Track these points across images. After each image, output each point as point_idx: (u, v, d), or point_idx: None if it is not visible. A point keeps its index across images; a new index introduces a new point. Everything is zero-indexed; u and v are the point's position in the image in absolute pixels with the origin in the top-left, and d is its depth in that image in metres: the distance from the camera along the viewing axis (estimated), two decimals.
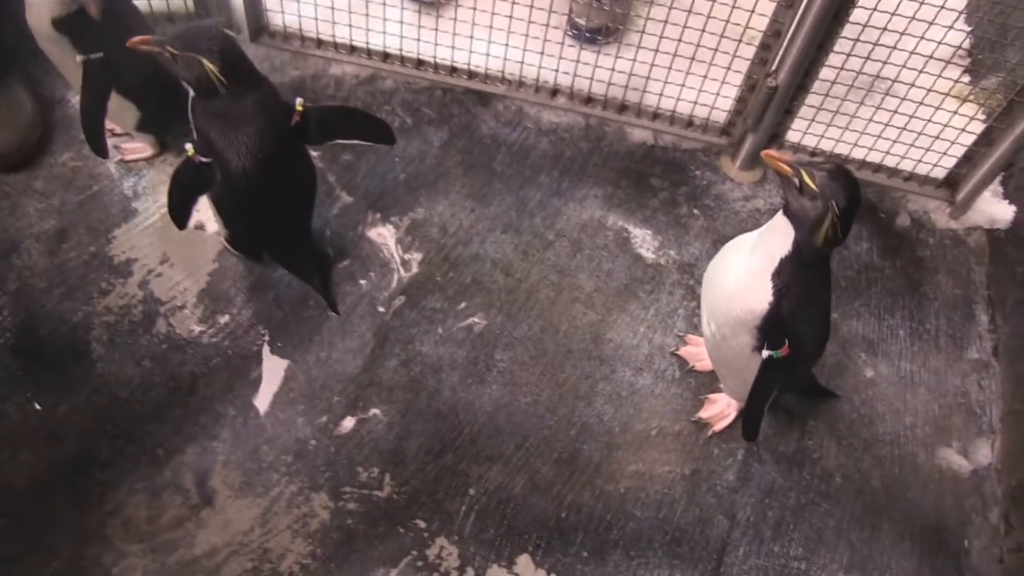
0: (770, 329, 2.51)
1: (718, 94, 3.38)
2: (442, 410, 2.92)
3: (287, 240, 2.96)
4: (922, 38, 3.05)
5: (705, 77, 3.34)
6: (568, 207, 3.37)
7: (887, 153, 3.45)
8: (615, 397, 3.02)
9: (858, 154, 3.50)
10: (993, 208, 3.54)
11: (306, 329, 3.00)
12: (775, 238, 2.45)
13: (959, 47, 3.33)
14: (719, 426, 3.01)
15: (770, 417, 3.03)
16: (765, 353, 2.52)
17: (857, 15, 3.06)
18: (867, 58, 3.15)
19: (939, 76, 3.17)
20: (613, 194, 3.42)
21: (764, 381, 2.60)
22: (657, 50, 3.29)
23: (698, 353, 3.11)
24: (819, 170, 2.30)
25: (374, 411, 2.88)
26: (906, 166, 3.51)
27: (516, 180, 3.39)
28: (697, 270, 3.30)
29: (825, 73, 3.26)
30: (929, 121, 3.33)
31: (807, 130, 3.42)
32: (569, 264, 3.24)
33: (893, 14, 3.02)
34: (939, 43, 3.07)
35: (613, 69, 3.38)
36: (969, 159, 3.46)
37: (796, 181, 2.30)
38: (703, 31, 3.17)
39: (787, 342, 2.50)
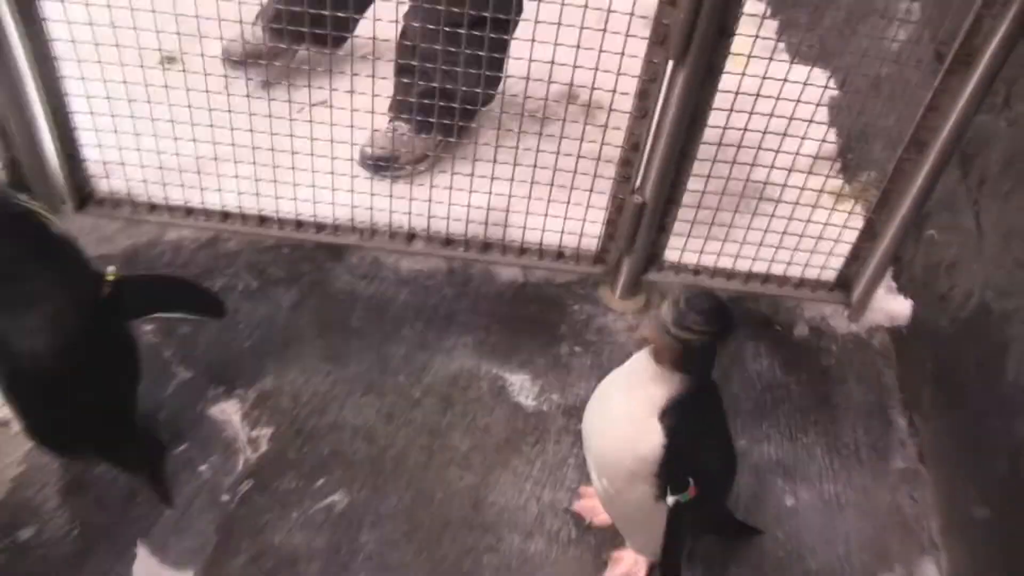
0: (670, 473, 2.03)
1: (585, 219, 2.91)
2: None
3: (104, 431, 2.36)
4: (780, 148, 2.68)
5: (568, 203, 2.87)
6: (435, 360, 2.83)
7: (772, 261, 2.99)
8: (505, 569, 2.41)
9: (742, 266, 3.03)
10: (891, 305, 3.08)
11: (133, 532, 2.37)
12: (649, 374, 2.01)
13: (823, 141, 2.92)
14: None
15: (688, 570, 2.49)
16: (671, 500, 2.04)
17: (717, 119, 2.65)
18: (733, 161, 2.71)
19: (808, 173, 2.77)
20: (484, 340, 2.91)
21: (676, 530, 2.11)
22: (512, 178, 2.83)
23: (595, 506, 2.54)
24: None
25: None
26: (795, 272, 3.04)
27: (376, 336, 2.86)
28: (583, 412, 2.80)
29: (695, 184, 2.82)
30: (808, 221, 2.90)
31: (685, 247, 2.96)
32: (440, 423, 2.68)
33: (749, 118, 2.63)
34: (797, 153, 2.70)
35: (469, 205, 2.90)
36: (857, 256, 3.01)
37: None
38: (557, 153, 2.72)
39: (692, 481, 2.03)
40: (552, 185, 2.84)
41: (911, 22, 3.01)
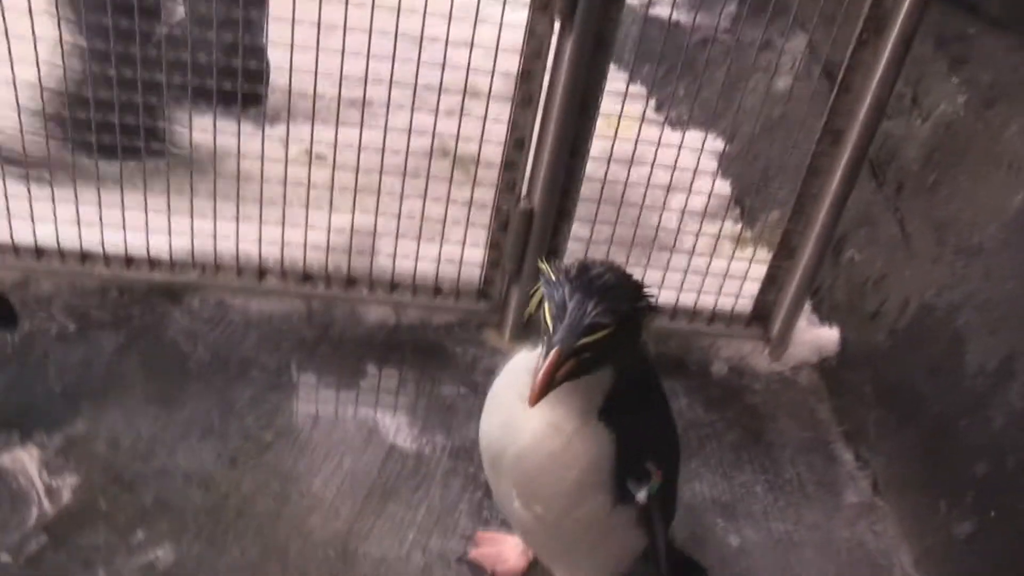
0: (629, 468, 1.59)
1: (465, 241, 2.44)
2: None
3: None
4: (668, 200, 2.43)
5: (444, 221, 2.41)
6: (290, 402, 2.27)
7: (680, 291, 2.56)
8: None
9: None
10: (814, 337, 2.66)
11: None
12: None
13: (711, 194, 2.65)
14: None
15: None
16: (641, 495, 1.60)
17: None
18: (620, 205, 2.36)
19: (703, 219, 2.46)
20: (352, 382, 2.36)
21: (656, 526, 1.71)
22: (379, 191, 2.36)
23: (497, 553, 1.99)
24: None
25: None
26: (706, 304, 2.60)
27: (218, 380, 2.28)
28: (477, 455, 2.27)
29: (585, 209, 2.48)
30: (712, 257, 2.55)
31: None
32: (296, 467, 2.10)
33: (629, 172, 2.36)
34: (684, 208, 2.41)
35: (329, 228, 2.41)
36: (771, 287, 2.61)
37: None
38: (428, 167, 2.29)
39: (655, 466, 1.62)
40: (424, 198, 2.38)
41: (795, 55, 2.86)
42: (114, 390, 2.21)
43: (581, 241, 2.51)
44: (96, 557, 1.85)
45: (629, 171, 2.45)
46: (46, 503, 1.93)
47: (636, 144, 2.36)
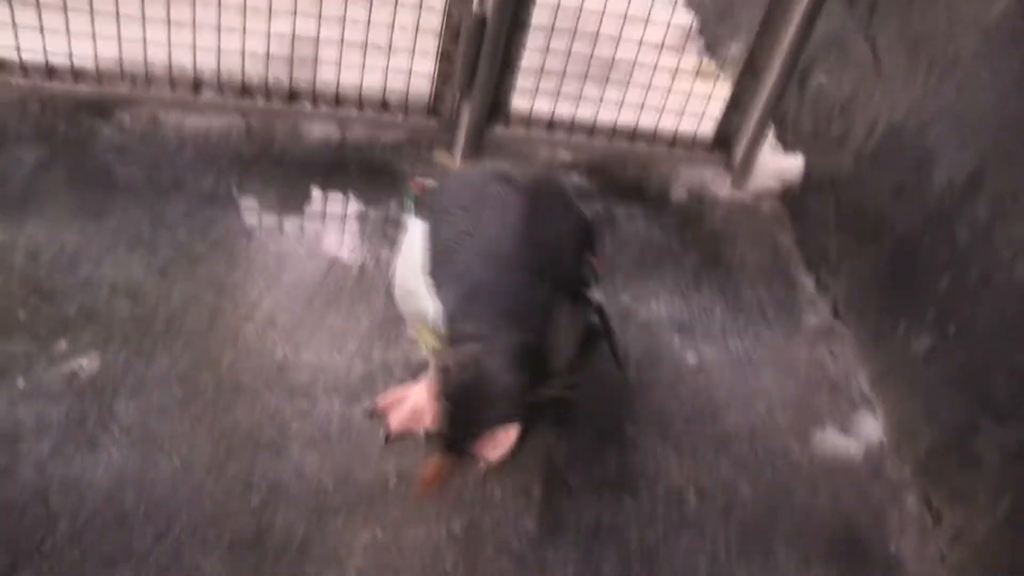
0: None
1: (414, 50, 2.26)
2: (18, 499, 1.51)
3: None
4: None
5: (392, 27, 2.21)
6: (227, 215, 2.10)
7: (641, 109, 2.40)
8: (320, 440, 1.70)
9: (606, 118, 2.42)
10: (777, 164, 2.50)
11: None
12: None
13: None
14: (495, 454, 1.76)
15: (563, 435, 1.82)
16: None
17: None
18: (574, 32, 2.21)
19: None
20: (293, 200, 2.18)
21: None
22: (320, 15, 2.17)
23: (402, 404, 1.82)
24: None
25: None
26: (667, 126, 2.45)
27: (149, 194, 2.10)
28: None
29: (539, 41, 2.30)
30: (669, 90, 2.40)
31: (536, 90, 2.33)
32: (231, 277, 1.95)
33: None
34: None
35: (269, 34, 2.19)
36: (736, 106, 2.46)
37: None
38: None
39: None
40: (371, 1, 2.19)
41: None
42: (35, 203, 2.03)
43: (532, 73, 2.36)
44: (13, 366, 1.70)
45: None
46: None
47: None
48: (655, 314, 2.13)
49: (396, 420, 1.76)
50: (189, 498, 1.59)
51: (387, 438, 1.74)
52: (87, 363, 1.74)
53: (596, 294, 1.61)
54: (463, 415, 1.41)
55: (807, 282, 2.32)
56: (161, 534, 1.53)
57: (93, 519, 1.53)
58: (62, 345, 1.76)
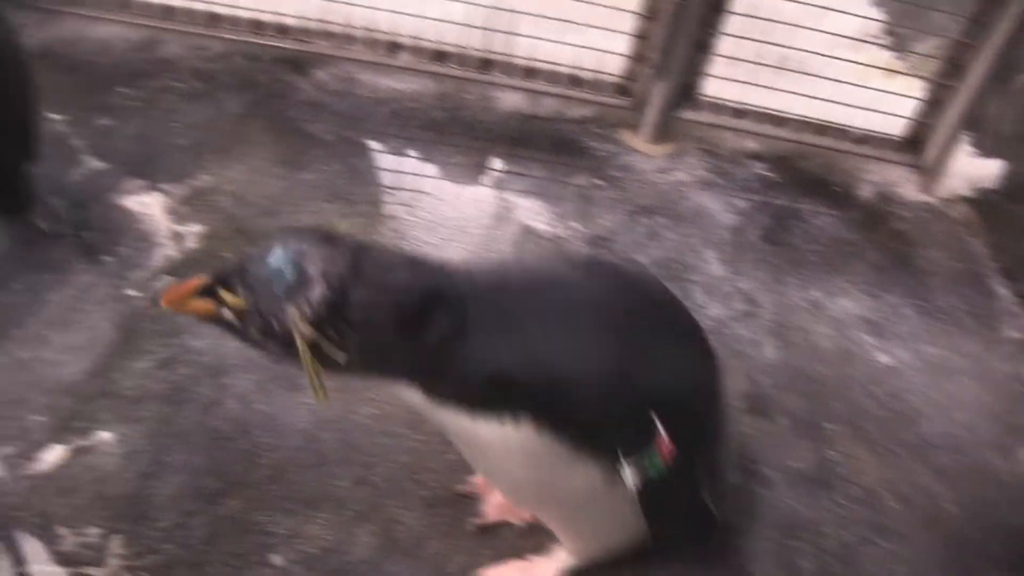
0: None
1: (609, 28, 2.18)
2: (224, 429, 1.50)
3: None
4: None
5: (591, 3, 2.13)
6: (421, 178, 2.06)
7: (830, 101, 2.27)
8: None
9: (795, 109, 2.31)
10: (972, 167, 2.36)
11: (1, 320, 1.58)
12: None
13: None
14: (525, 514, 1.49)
15: (762, 422, 1.73)
16: (629, 477, 1.13)
17: None
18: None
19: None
20: (481, 163, 2.15)
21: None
22: None
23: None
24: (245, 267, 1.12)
25: (103, 434, 1.45)
26: (856, 122, 2.33)
27: (345, 147, 2.10)
28: (614, 244, 2.06)
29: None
30: (859, 85, 2.28)
31: (727, 76, 2.22)
32: (428, 236, 1.90)
33: None
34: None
35: (470, 3, 2.18)
36: (932, 105, 2.31)
37: (228, 314, 1.13)
38: None
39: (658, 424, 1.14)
40: None
41: None
42: (238, 149, 2.05)
43: (723, 59, 2.27)
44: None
45: None
46: (171, 247, 1.78)
47: None
48: (845, 311, 2.02)
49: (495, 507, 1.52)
50: (388, 448, 1.55)
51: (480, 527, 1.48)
52: None
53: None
54: None
55: (1003, 292, 2.17)
56: (360, 480, 1.50)
57: (294, 457, 1.51)
58: None
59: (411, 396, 1.14)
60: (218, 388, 1.57)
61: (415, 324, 1.08)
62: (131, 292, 1.67)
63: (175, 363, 1.58)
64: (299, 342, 1.05)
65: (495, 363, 1.08)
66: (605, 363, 1.11)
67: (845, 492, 1.67)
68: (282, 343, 1.07)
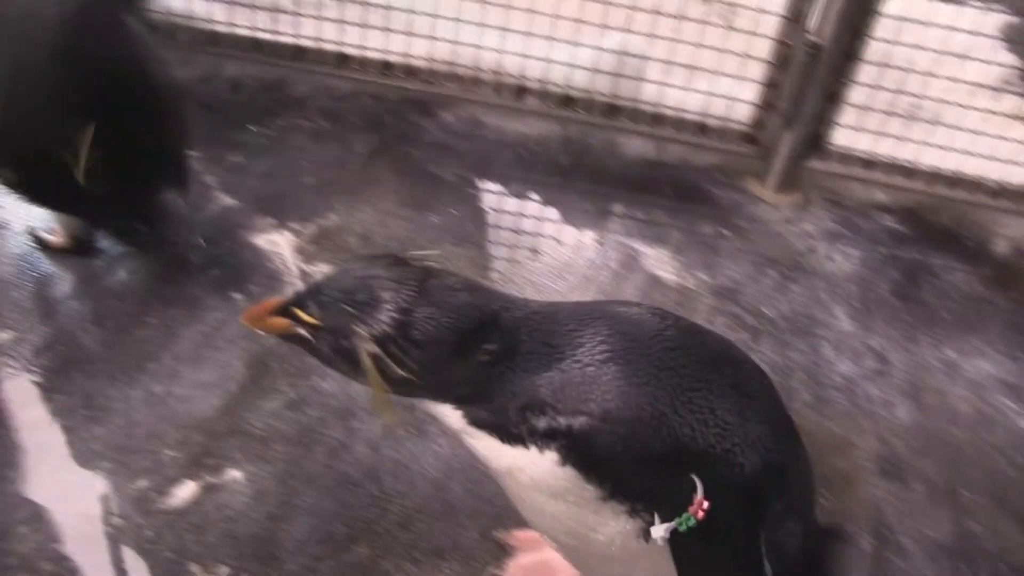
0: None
1: (739, 76, 2.14)
2: (353, 474, 1.47)
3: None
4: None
5: (720, 50, 2.10)
6: (542, 222, 2.03)
7: (963, 153, 2.18)
8: None
9: (926, 160, 2.22)
10: None
11: (136, 354, 1.58)
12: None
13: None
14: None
15: (895, 487, 1.64)
16: (658, 531, 1.05)
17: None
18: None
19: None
20: (606, 210, 2.11)
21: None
22: (651, 34, 2.09)
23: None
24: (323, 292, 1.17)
25: (233, 473, 1.43)
26: (991, 174, 2.23)
27: (470, 190, 2.07)
28: (741, 297, 2.00)
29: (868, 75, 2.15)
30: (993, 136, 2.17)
31: (857, 125, 2.15)
32: (555, 283, 1.87)
33: None
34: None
35: (600, 48, 2.15)
36: None
37: (302, 331, 1.17)
38: None
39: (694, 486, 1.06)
40: (703, 29, 2.09)
41: None
42: (365, 189, 2.04)
43: (854, 108, 2.20)
44: None
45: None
46: (300, 286, 1.79)
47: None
48: (982, 372, 1.91)
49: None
50: None
51: None
52: None
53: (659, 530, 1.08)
54: None
55: None
56: (487, 532, 1.46)
57: (422, 505, 1.47)
58: None
59: (453, 419, 1.15)
60: (347, 431, 1.54)
61: (469, 346, 1.10)
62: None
63: (304, 404, 1.56)
64: (364, 359, 1.09)
65: (533, 392, 1.07)
66: (647, 412, 1.05)
67: (990, 568, 1.58)
68: (349, 360, 1.12)
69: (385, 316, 1.09)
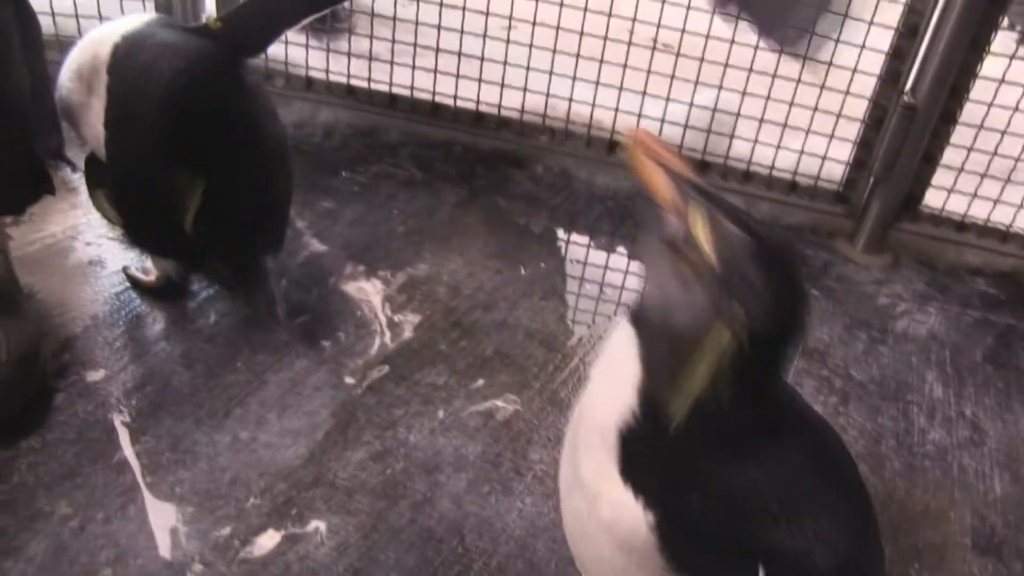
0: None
1: (832, 135, 2.07)
2: (436, 530, 1.42)
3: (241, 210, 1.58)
4: None
5: (814, 110, 2.05)
6: (631, 280, 1.98)
7: None
8: None
9: (1022, 224, 2.13)
10: None
11: (224, 398, 1.55)
12: (612, 380, 0.98)
13: None
14: None
15: (992, 564, 1.51)
16: None
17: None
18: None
19: None
20: None
21: None
22: (744, 92, 2.04)
23: None
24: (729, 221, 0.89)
25: (316, 524, 1.39)
26: None
27: (560, 243, 2.03)
28: (830, 359, 1.90)
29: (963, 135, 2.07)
30: None
31: (953, 187, 2.09)
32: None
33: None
34: None
35: (692, 104, 2.11)
36: None
37: (679, 227, 0.90)
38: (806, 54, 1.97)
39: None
40: (797, 83, 2.03)
41: None
42: (455, 239, 2.00)
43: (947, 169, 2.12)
44: (437, 397, 1.62)
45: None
46: (388, 336, 1.74)
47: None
48: None
49: None
50: None
51: None
52: (502, 404, 1.65)
53: None
54: None
55: None
56: None
57: (506, 565, 1.41)
58: (479, 383, 1.69)
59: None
60: (432, 485, 1.49)
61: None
62: (348, 380, 1.63)
63: (389, 456, 1.52)
64: (719, 340, 0.84)
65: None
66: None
67: None
68: (695, 328, 0.86)
69: (766, 317, 0.84)
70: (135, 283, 1.77)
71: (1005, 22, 2.15)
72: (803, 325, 0.88)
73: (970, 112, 2.09)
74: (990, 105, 2.01)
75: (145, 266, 1.81)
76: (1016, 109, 2.04)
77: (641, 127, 0.93)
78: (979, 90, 2.06)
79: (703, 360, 0.84)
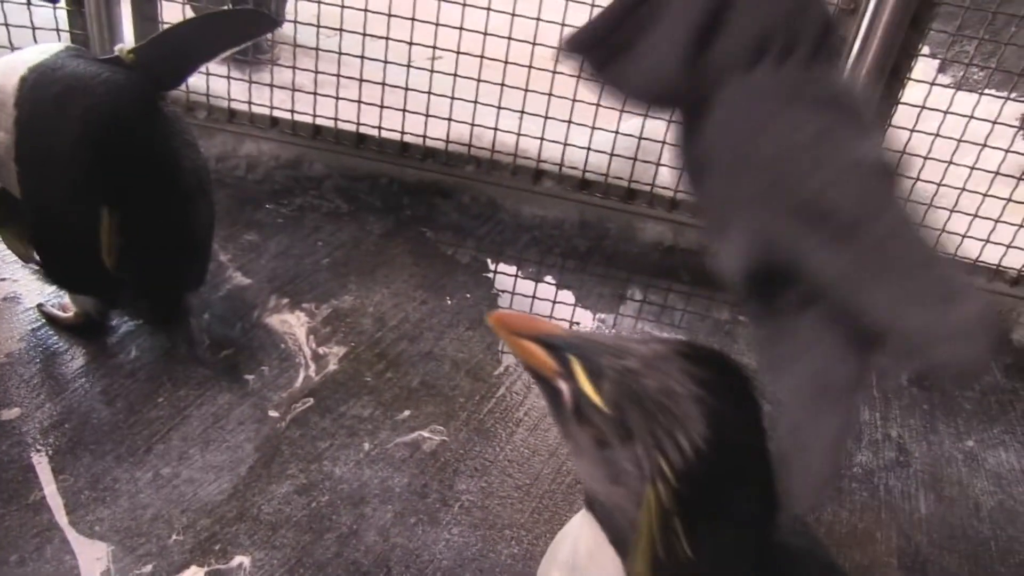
0: None
1: None
2: (363, 562, 1.45)
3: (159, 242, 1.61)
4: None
5: None
6: (558, 307, 2.05)
7: (985, 242, 2.22)
8: None
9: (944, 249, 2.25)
10: None
11: (145, 434, 1.57)
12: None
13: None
14: None
15: None
16: None
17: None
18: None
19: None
20: (625, 295, 2.13)
21: None
22: (671, 120, 2.13)
23: None
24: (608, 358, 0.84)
25: (240, 559, 1.41)
26: (1012, 262, 2.25)
27: (486, 273, 2.10)
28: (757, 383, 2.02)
29: None
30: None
31: None
32: None
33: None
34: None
35: (617, 132, 2.20)
36: None
37: (565, 391, 0.85)
38: None
39: None
40: None
41: None
42: (382, 270, 2.05)
43: None
44: (362, 429, 1.67)
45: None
46: (312, 368, 1.78)
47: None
48: (1006, 464, 1.90)
49: None
50: None
51: None
52: (428, 435, 1.70)
53: None
54: None
55: None
56: None
57: None
58: (404, 414, 1.73)
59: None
60: (358, 518, 1.53)
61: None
62: (272, 413, 1.66)
63: (314, 489, 1.55)
64: (650, 503, 0.78)
65: None
66: None
67: None
68: (610, 469, 0.82)
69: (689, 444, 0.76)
70: (52, 320, 1.79)
71: (926, 49, 2.30)
72: (747, 426, 0.82)
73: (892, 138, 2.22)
74: (912, 131, 2.15)
75: (63, 302, 1.83)
76: (937, 135, 2.17)
77: (498, 311, 0.85)
78: (900, 116, 2.19)
79: (644, 518, 0.79)
